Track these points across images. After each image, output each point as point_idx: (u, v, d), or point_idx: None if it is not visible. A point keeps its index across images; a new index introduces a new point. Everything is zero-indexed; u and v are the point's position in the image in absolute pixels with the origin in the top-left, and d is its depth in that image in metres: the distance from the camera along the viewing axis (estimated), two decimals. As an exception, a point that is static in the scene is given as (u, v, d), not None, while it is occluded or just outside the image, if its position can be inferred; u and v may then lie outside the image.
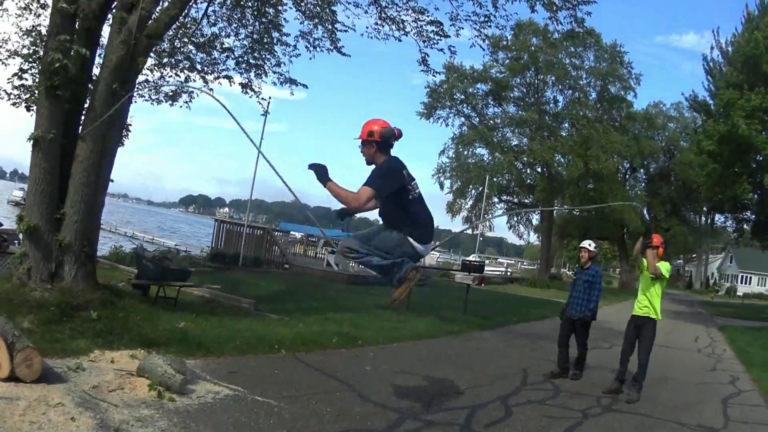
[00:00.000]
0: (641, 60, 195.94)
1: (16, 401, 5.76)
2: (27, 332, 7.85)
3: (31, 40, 12.16)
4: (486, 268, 65.63)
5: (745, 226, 45.85)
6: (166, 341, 8.80)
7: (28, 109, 10.94)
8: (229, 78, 15.70)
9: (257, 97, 16.05)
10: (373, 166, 6.29)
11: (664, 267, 10.48)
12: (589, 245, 11.90)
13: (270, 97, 16.42)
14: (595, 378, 11.80)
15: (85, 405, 5.99)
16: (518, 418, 8.15)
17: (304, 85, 16.26)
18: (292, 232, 40.42)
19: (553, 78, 51.03)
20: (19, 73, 11.88)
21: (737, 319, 37.01)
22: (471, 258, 49.71)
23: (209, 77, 15.57)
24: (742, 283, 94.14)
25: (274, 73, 15.77)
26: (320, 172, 6.01)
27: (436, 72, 15.94)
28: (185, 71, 15.34)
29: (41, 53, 11.04)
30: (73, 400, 6.05)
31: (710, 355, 18.16)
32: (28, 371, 6.29)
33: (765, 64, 30.03)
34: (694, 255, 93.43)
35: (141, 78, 14.18)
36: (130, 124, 12.08)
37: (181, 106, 15.78)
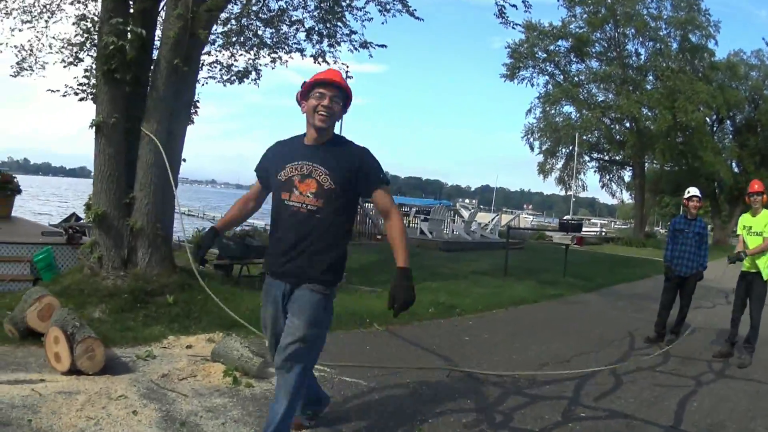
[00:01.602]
0: (716, 9, 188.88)
1: (76, 395, 5.30)
2: (97, 322, 7.58)
3: (85, 27, 11.59)
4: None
5: None
6: (248, 322, 8.13)
7: (94, 99, 10.48)
8: (301, 51, 15.12)
9: (334, 65, 15.13)
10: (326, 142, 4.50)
11: (766, 219, 9.37)
12: (699, 193, 10.63)
13: (348, 66, 15.79)
14: (702, 340, 10.91)
15: (151, 396, 5.51)
16: (629, 388, 7.32)
17: (383, 45, 15.35)
18: None
19: (632, 30, 48.92)
20: (75, 62, 11.89)
21: None
22: (567, 218, 48.94)
23: (280, 53, 15.00)
24: None
25: (347, 41, 15.08)
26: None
27: (515, 24, 14.94)
28: (255, 48, 14.79)
29: (96, 40, 10.68)
30: (138, 392, 5.58)
31: None
32: (90, 363, 5.86)
33: None
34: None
35: (210, 59, 14.08)
36: (198, 101, 11.49)
37: (249, 83, 15.05)
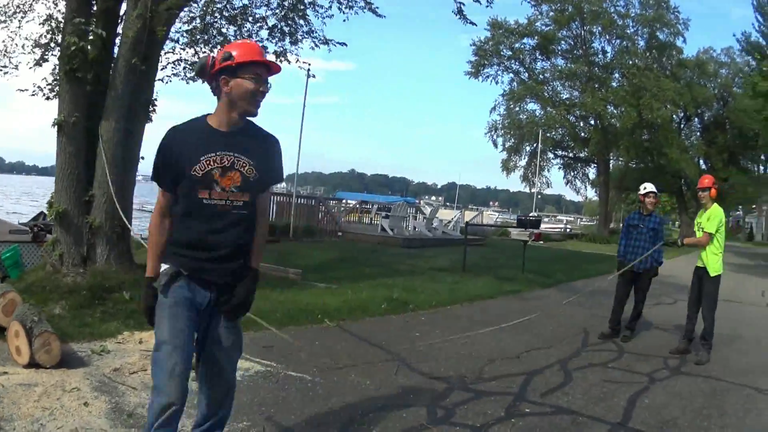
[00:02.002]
0: (689, 7, 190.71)
1: (34, 387, 5.58)
2: (57, 318, 7.77)
3: (49, 28, 11.80)
4: (545, 225, 64.93)
5: None
6: None
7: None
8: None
9: (296, 63, 15.54)
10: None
11: (716, 216, 9.49)
12: (654, 189, 10.74)
13: (310, 64, 15.84)
14: (660, 337, 11.03)
15: (102, 389, 5.73)
16: (579, 384, 7.40)
17: (343, 44, 15.52)
18: (344, 200, 40.15)
19: (599, 28, 49.51)
20: (40, 62, 11.88)
21: None
22: (533, 214, 49.45)
23: None
24: None
25: (308, 38, 15.28)
26: None
27: (472, 22, 15.16)
28: (219, 45, 14.58)
29: (60, 40, 10.79)
30: (91, 384, 5.82)
31: None
32: (47, 356, 6.10)
33: None
34: (754, 206, 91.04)
35: (175, 57, 14.20)
36: (156, 99, 11.61)
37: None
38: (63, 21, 10.46)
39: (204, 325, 3.93)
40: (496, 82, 53.62)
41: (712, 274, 9.41)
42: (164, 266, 3.83)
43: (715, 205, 9.63)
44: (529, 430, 5.75)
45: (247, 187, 3.81)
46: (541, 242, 38.65)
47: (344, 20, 15.31)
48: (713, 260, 9.43)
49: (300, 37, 15.02)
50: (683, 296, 16.27)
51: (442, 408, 6.10)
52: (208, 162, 3.70)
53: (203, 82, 3.89)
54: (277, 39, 14.96)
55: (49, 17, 11.90)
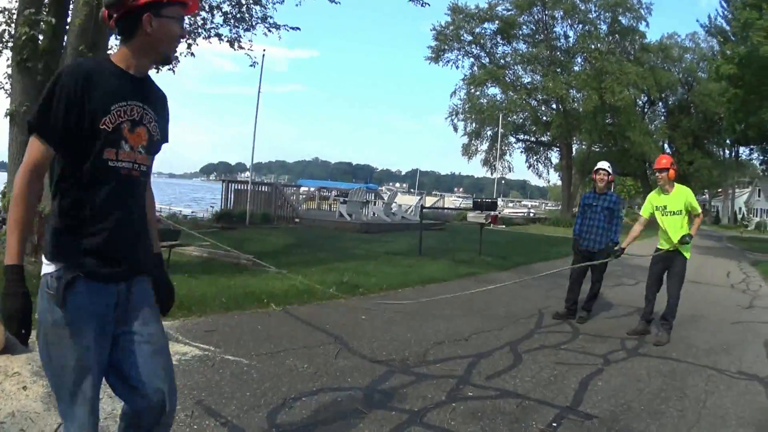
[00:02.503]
0: None
1: None
2: None
3: (3, 20, 11.97)
4: (509, 210, 65.13)
5: None
6: None
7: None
8: (219, 36, 15.46)
9: (247, 50, 15.89)
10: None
11: (691, 195, 9.34)
12: (608, 167, 10.55)
13: (264, 49, 17.53)
14: (618, 318, 10.94)
15: (41, 373, 5.47)
16: (528, 367, 7.20)
17: (296, 28, 15.81)
18: (303, 187, 40.07)
19: (561, 13, 49.98)
20: None
21: None
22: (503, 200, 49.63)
23: (198, 38, 15.45)
24: None
25: (261, 23, 15.60)
26: None
27: (425, 3, 15.11)
28: None
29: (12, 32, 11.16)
30: (31, 369, 5.79)
31: (745, 291, 16.96)
32: None
33: None
34: (719, 190, 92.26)
35: None
36: None
37: (167, 70, 15.05)
38: (16, 12, 10.79)
39: (119, 330, 3.03)
40: (457, 67, 54.17)
41: (687, 253, 9.30)
42: (49, 265, 2.92)
43: (681, 185, 9.47)
44: (470, 415, 5.54)
45: (152, 148, 3.11)
46: (503, 226, 38.84)
47: (297, 5, 15.80)
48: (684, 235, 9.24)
49: (254, 23, 15.33)
50: (644, 278, 16.39)
51: (380, 392, 5.92)
52: (119, 113, 2.89)
53: (109, 18, 3.02)
54: (230, 26, 15.32)
55: (4, 9, 12.12)
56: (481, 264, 16.95)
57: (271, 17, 15.33)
